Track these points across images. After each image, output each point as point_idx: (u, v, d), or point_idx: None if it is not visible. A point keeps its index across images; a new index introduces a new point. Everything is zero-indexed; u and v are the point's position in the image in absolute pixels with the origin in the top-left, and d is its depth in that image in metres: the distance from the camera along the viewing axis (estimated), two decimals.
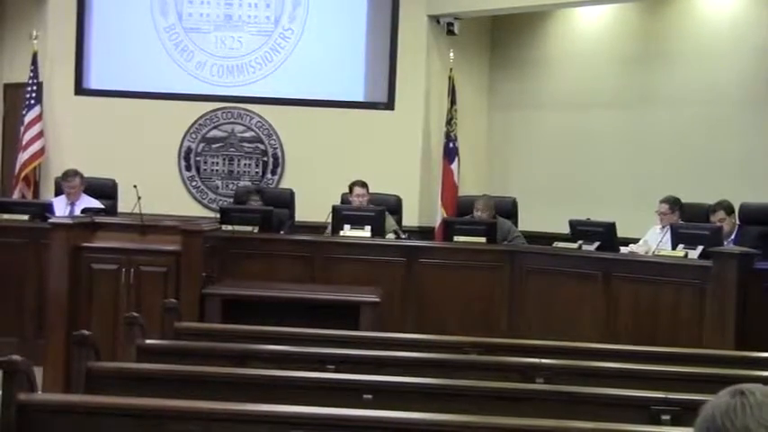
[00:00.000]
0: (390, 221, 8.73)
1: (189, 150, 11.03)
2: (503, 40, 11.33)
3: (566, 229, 8.05)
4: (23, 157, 10.70)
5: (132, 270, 6.98)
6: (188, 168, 11.03)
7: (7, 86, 11.42)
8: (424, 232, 10.08)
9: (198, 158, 11.04)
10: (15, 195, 10.46)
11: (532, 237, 8.92)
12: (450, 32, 10.90)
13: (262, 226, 8.25)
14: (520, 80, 11.13)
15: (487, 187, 10.56)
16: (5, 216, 8.44)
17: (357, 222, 8.28)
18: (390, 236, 8.43)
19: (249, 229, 8.16)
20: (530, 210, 9.62)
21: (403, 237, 8.59)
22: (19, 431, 3.30)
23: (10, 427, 3.30)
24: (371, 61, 10.88)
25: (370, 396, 3.78)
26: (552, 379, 4.23)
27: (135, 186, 9.19)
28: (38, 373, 4.24)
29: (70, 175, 9.25)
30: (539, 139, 10.94)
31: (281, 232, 8.62)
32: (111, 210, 9.26)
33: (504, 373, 4.31)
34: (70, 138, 10.87)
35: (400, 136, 10.74)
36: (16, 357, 3.38)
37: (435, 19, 10.89)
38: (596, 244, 7.61)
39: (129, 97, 10.93)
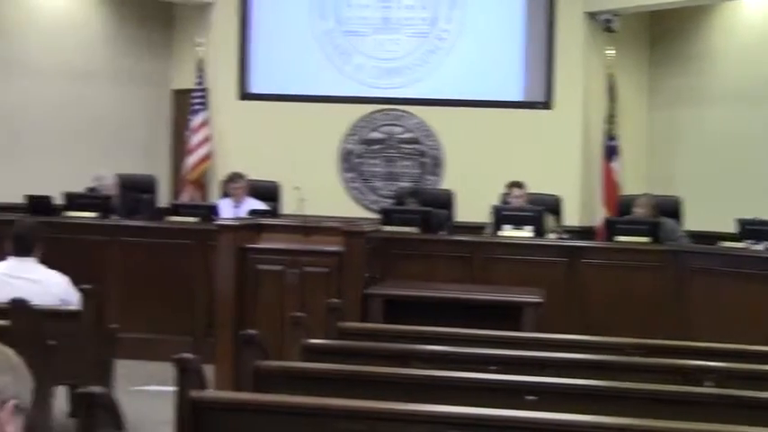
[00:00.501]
0: (550, 221, 8.65)
1: (349, 152, 11.17)
2: (663, 36, 11.07)
3: (733, 229, 7.83)
4: (191, 160, 11.05)
5: (296, 271, 7.08)
6: (348, 170, 11.18)
7: (175, 92, 11.81)
8: (585, 232, 9.95)
9: (358, 160, 11.17)
10: (184, 198, 10.81)
11: (697, 236, 8.70)
12: (609, 29, 10.72)
13: (422, 227, 8.29)
14: (682, 76, 10.84)
15: (648, 186, 10.35)
16: (175, 218, 8.74)
17: (517, 222, 8.24)
18: (551, 236, 8.36)
19: (410, 229, 8.21)
20: (694, 209, 9.38)
21: (564, 237, 8.51)
22: (192, 427, 3.41)
23: (184, 422, 3.41)
24: (529, 60, 10.80)
25: (532, 397, 3.76)
26: (720, 382, 4.11)
27: (297, 188, 9.44)
28: (209, 370, 4.40)
29: (235, 177, 9.53)
30: (703, 136, 10.63)
31: (441, 233, 8.64)
32: (274, 211, 9.48)
33: (668, 375, 4.22)
34: (235, 141, 11.16)
35: (559, 135, 10.63)
36: (188, 355, 3.49)
37: (593, 16, 10.74)
38: (765, 243, 7.37)
39: (290, 101, 11.15)
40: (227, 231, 7.14)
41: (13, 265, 5.81)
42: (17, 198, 8.89)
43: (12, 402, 2.03)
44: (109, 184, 9.34)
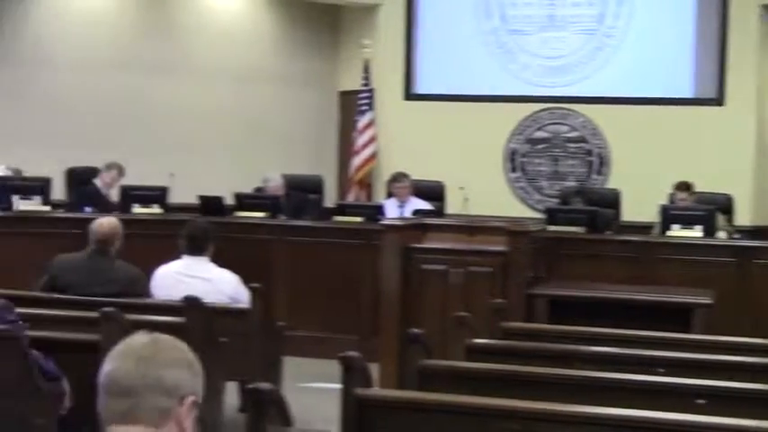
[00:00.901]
0: (721, 221, 8.40)
1: (514, 152, 11.12)
2: None
3: None
4: (357, 161, 11.21)
5: (461, 270, 7.07)
6: (513, 169, 11.12)
7: (342, 94, 11.98)
8: (758, 232, 9.62)
9: (523, 159, 11.11)
10: (350, 198, 10.96)
11: None
12: None
13: (588, 226, 8.18)
14: None
15: None
16: (342, 218, 8.87)
17: (686, 222, 8.03)
18: (721, 235, 8.11)
19: (575, 229, 8.11)
20: None
21: (735, 237, 8.25)
22: (358, 424, 3.46)
23: (350, 419, 3.47)
24: (700, 56, 10.51)
25: (702, 401, 3.67)
26: None
27: (461, 188, 9.46)
28: (374, 369, 4.45)
29: (400, 177, 9.61)
30: None
31: (607, 233, 8.50)
32: (439, 211, 9.52)
33: None
34: (400, 141, 11.24)
35: (731, 132, 10.31)
36: (353, 354, 3.55)
37: None
38: None
39: (455, 101, 11.16)
40: (393, 231, 7.19)
41: (187, 263, 6.00)
42: (190, 198, 9.18)
43: (191, 398, 2.08)
44: (277, 185, 9.54)
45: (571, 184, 10.76)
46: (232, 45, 11.55)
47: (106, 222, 5.94)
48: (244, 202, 9.01)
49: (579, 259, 7.82)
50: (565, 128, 10.98)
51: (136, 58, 11.10)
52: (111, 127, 10.93)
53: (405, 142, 11.20)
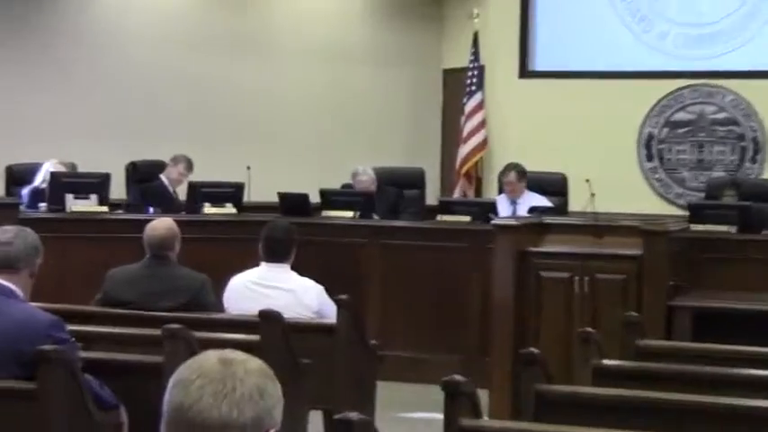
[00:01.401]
0: None
1: (650, 137, 10.98)
2: None
3: None
4: (464, 150, 11.18)
5: (586, 278, 7.04)
6: (649, 158, 10.98)
7: (447, 72, 11.97)
8: None
9: (661, 146, 10.96)
10: (456, 194, 10.95)
11: None
12: None
13: (740, 225, 8.02)
14: None
15: None
16: (446, 217, 8.85)
17: None
18: None
19: (725, 228, 7.97)
20: None
21: None
22: None
23: None
24: None
25: None
26: None
27: (587, 181, 9.37)
28: (483, 395, 4.42)
29: (513, 169, 9.56)
30: None
31: (765, 232, 8.31)
32: (560, 208, 9.47)
33: None
34: (514, 126, 11.19)
35: None
36: (459, 378, 3.54)
37: None
38: None
39: (579, 78, 11.07)
40: (506, 232, 7.22)
41: (265, 272, 6.04)
42: (270, 196, 9.25)
43: (273, 431, 2.09)
44: (368, 180, 9.57)
45: (719, 174, 10.59)
46: (316, 19, 11.63)
47: (160, 225, 6.00)
48: (331, 199, 9.06)
49: (730, 264, 7.67)
50: (711, 108, 10.82)
51: (208, 36, 11.25)
52: (179, 115, 11.09)
53: (520, 127, 11.15)
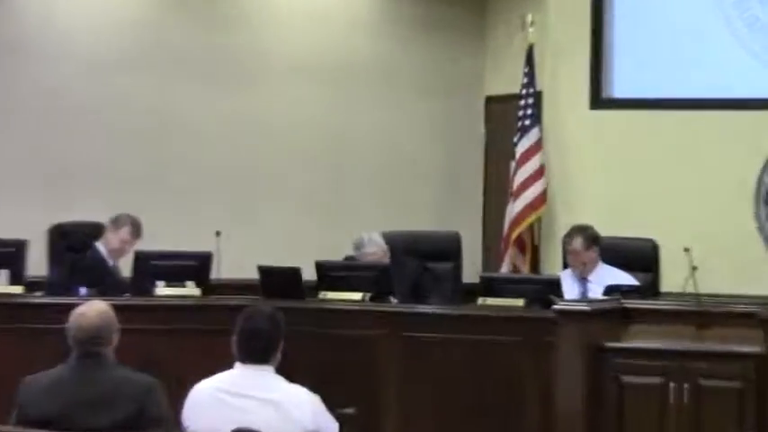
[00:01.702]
0: None
1: None
2: None
3: None
4: (516, 207, 11.18)
5: (686, 385, 6.99)
6: None
7: (491, 101, 11.96)
8: None
9: None
10: (504, 267, 10.98)
11: None
12: None
13: None
14: None
15: None
16: (491, 300, 8.77)
17: None
18: None
19: None
20: None
21: None
22: None
23: None
24: None
25: None
26: None
27: (686, 250, 9.28)
28: None
29: (575, 233, 9.50)
30: None
31: None
32: (648, 287, 9.40)
33: None
34: (584, 175, 11.23)
35: None
36: None
37: None
38: None
39: (673, 108, 11.08)
40: (573, 321, 7.24)
41: (240, 377, 5.96)
42: (247, 271, 9.22)
43: None
44: (378, 252, 9.53)
45: None
46: (317, 31, 11.75)
47: (91, 312, 5.90)
48: (331, 276, 9.00)
49: None
50: None
51: (167, 56, 11.36)
52: (124, 159, 11.14)
53: (592, 176, 11.19)
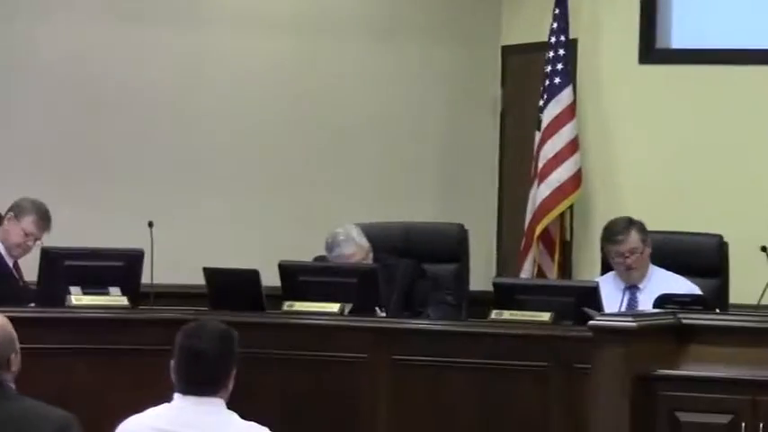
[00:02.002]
0: None
1: None
2: None
3: None
4: (541, 192, 11.28)
5: (761, 425, 7.03)
6: None
7: (509, 52, 12.01)
8: None
9: None
10: (525, 270, 11.09)
11: None
12: None
13: None
14: None
15: None
16: (508, 313, 8.82)
17: None
18: None
19: None
20: None
21: None
22: None
23: None
24: None
25: None
26: None
27: (764, 249, 9.36)
28: None
29: (622, 227, 9.51)
30: None
31: None
32: (714, 297, 9.42)
33: None
34: (632, 150, 11.32)
35: None
36: None
37: None
38: None
39: (748, 63, 11.15)
40: (615, 341, 7.17)
41: (180, 411, 6.02)
42: (188, 275, 9.33)
43: None
44: (357, 251, 9.56)
45: None
46: None
47: None
48: (300, 282, 9.08)
49: None
50: None
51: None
52: (26, 129, 11.20)
53: (640, 152, 11.28)
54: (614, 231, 9.51)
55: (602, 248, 9.75)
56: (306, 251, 9.84)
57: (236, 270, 9.05)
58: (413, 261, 9.86)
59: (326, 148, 11.64)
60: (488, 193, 12.03)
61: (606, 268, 9.71)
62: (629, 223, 9.53)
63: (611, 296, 9.31)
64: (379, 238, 9.82)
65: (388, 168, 11.69)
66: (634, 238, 9.41)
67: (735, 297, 9.74)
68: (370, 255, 9.60)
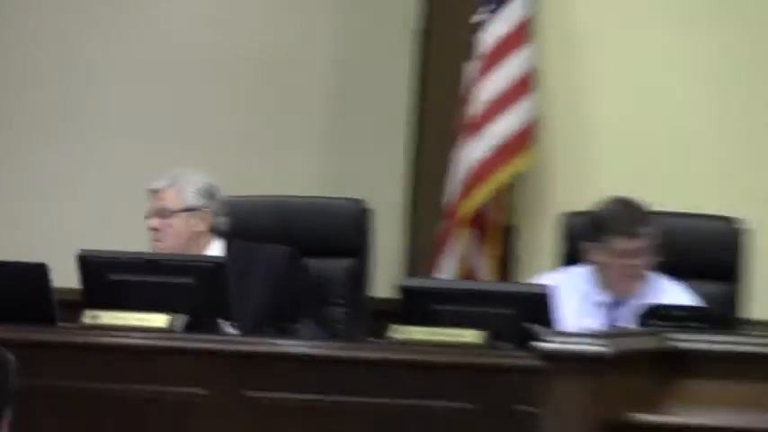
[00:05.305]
0: None
1: None
2: None
3: None
4: (475, 152, 11.28)
5: None
6: None
7: None
8: None
9: None
10: (446, 266, 11.11)
11: None
12: None
13: None
14: None
15: None
16: (418, 331, 8.82)
17: None
18: None
19: None
20: None
21: None
22: None
23: None
24: None
25: None
26: None
27: None
28: None
29: (640, 214, 9.53)
30: None
31: None
32: (730, 307, 9.55)
33: None
34: (615, 87, 11.36)
35: None
36: None
37: None
38: None
39: None
40: (574, 373, 7.16)
41: None
42: None
43: None
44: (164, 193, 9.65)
45: None
46: None
47: None
48: (110, 282, 9.05)
49: None
50: None
51: None
52: None
53: (627, 92, 11.27)
54: (628, 219, 9.53)
55: (592, 240, 9.74)
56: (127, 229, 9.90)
57: (14, 263, 8.98)
58: (287, 249, 9.82)
59: (170, 94, 11.94)
60: (395, 158, 12.07)
61: (572, 262, 9.71)
62: (646, 210, 9.53)
63: (586, 311, 9.36)
64: (239, 217, 9.77)
65: (260, 119, 11.79)
66: (650, 231, 9.42)
67: (759, 310, 9.77)
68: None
